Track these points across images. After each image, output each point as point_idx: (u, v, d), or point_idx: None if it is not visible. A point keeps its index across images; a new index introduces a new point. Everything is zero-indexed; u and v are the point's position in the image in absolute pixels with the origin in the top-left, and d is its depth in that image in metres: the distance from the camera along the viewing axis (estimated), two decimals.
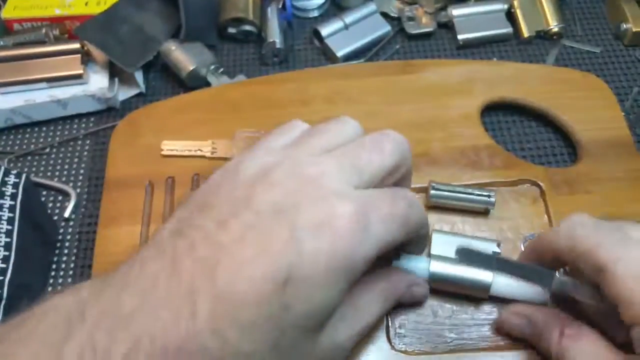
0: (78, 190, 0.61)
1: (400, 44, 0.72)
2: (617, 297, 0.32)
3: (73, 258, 0.57)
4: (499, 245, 0.47)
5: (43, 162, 0.64)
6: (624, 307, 0.32)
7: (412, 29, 0.71)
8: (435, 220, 0.53)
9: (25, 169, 0.63)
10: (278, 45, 0.69)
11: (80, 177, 0.62)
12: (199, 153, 0.58)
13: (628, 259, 0.32)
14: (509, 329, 0.42)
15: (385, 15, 0.73)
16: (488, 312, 0.47)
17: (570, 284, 0.38)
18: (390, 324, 0.47)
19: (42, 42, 0.68)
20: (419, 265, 0.44)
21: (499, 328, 0.44)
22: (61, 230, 0.58)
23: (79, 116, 0.67)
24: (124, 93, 0.68)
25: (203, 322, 0.27)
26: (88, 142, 0.65)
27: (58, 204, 0.60)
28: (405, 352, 0.46)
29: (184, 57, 0.67)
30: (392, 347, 0.46)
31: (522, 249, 0.51)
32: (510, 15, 0.72)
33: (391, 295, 0.41)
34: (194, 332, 0.27)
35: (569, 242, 0.36)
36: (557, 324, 0.37)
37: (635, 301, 0.31)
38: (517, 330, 0.42)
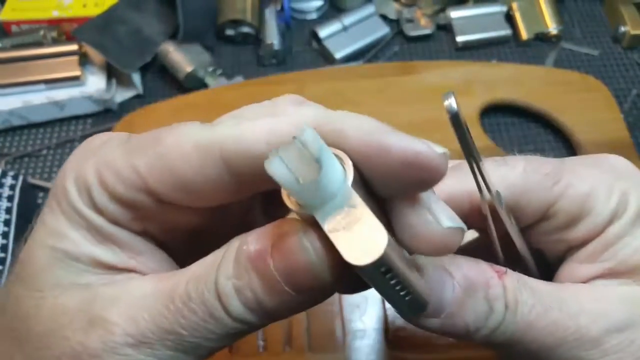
0: None
1: (399, 45, 0.72)
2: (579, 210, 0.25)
3: None
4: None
5: (40, 164, 0.63)
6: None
7: (411, 31, 0.71)
8: None
9: (23, 171, 0.63)
10: (276, 47, 0.69)
11: None
12: None
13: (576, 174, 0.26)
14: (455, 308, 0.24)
15: (384, 17, 0.73)
16: None
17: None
18: (389, 326, 0.47)
19: (39, 44, 0.68)
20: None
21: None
22: None
23: (76, 118, 0.67)
24: (122, 94, 0.68)
25: None
26: None
27: None
28: (404, 354, 0.46)
29: (181, 58, 0.66)
30: (391, 349, 0.46)
31: None
32: (509, 18, 0.72)
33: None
34: None
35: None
36: (489, 269, 0.25)
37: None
38: (455, 300, 0.24)
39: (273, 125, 0.21)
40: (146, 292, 0.22)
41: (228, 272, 0.21)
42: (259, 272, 0.20)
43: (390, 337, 0.47)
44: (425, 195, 0.21)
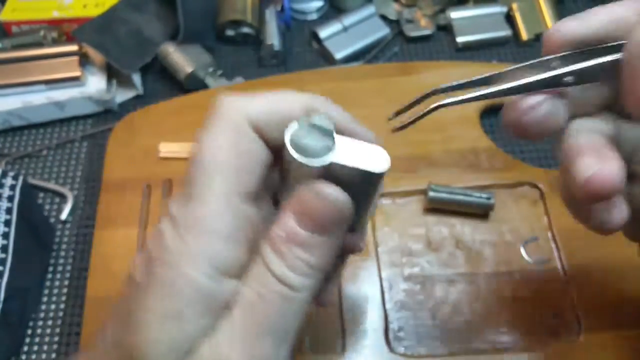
0: (75, 192, 0.61)
1: (399, 46, 0.72)
2: None
3: (70, 260, 0.56)
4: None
5: (40, 164, 0.63)
6: None
7: (411, 32, 0.71)
8: (434, 222, 0.53)
9: (23, 171, 0.63)
10: (276, 48, 0.69)
11: (78, 179, 0.62)
12: None
13: None
14: None
15: (384, 17, 0.73)
16: (485, 316, 0.47)
17: None
18: (388, 326, 0.47)
19: (40, 45, 0.68)
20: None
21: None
22: (58, 233, 0.58)
23: (77, 118, 0.67)
24: (122, 95, 0.68)
25: None
26: (85, 144, 0.65)
27: (55, 206, 0.60)
28: (404, 354, 0.46)
29: (182, 59, 0.66)
30: (391, 350, 0.46)
31: (523, 252, 0.50)
32: (509, 18, 0.72)
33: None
34: None
35: None
36: None
37: None
38: None
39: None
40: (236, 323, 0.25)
41: (279, 261, 0.24)
42: (298, 245, 0.24)
43: (391, 339, 0.47)
44: None
